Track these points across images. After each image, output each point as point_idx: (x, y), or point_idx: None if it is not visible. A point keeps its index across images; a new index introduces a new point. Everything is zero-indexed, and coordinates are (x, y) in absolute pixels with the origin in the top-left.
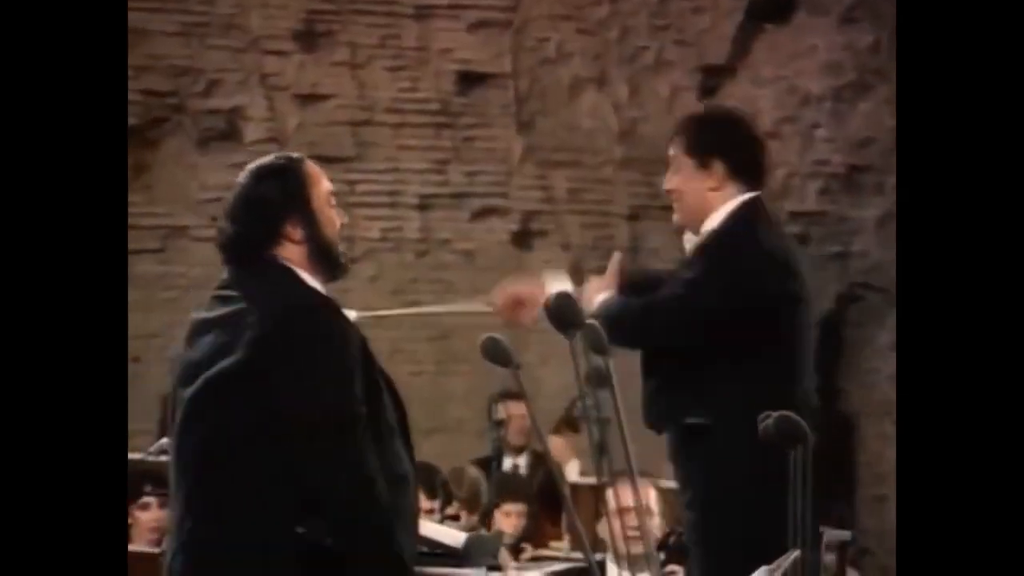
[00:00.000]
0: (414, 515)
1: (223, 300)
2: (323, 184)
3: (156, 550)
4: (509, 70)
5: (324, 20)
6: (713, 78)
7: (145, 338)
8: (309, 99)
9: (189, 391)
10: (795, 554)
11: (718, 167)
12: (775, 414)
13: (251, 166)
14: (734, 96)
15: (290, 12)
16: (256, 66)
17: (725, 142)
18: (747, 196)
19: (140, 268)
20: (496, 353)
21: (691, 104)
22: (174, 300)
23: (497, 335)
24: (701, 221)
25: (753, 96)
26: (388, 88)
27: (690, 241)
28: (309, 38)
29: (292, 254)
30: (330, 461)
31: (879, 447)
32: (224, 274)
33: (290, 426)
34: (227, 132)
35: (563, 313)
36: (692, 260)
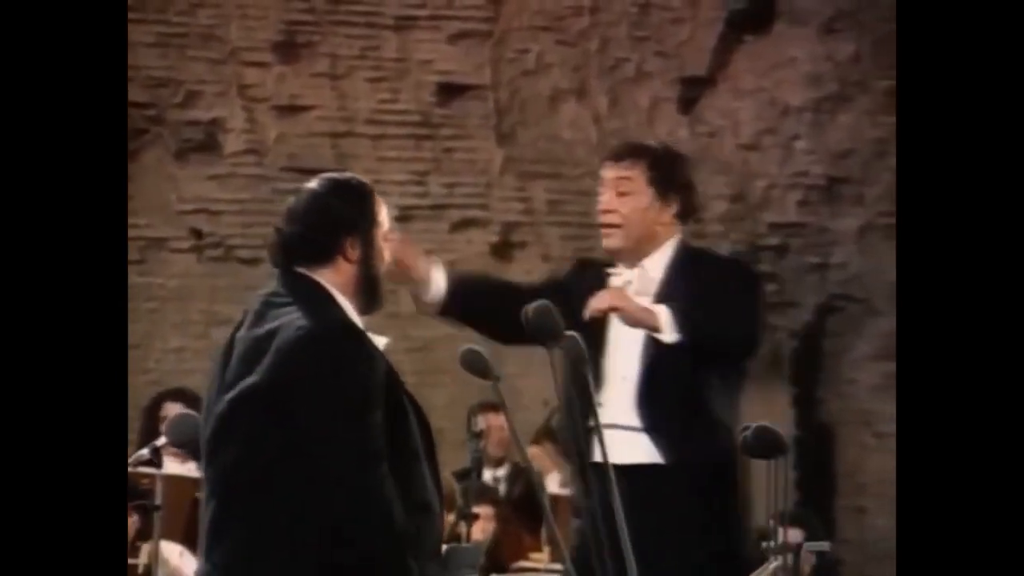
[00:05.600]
0: (437, 541)
1: (277, 306)
2: (385, 216)
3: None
4: (489, 81)
5: (303, 31)
6: (693, 89)
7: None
8: (288, 110)
9: (216, 411)
10: (774, 564)
11: (674, 204)
12: (753, 425)
13: (325, 177)
14: (714, 107)
15: (269, 23)
16: (235, 77)
17: (684, 182)
18: (680, 237)
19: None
20: (476, 364)
21: (671, 115)
22: (153, 311)
23: (477, 347)
24: (640, 254)
25: (733, 107)
26: (368, 99)
27: (620, 275)
28: (288, 49)
29: (340, 274)
30: (346, 486)
31: (858, 457)
32: (273, 284)
33: (306, 451)
34: (206, 144)
35: (543, 325)
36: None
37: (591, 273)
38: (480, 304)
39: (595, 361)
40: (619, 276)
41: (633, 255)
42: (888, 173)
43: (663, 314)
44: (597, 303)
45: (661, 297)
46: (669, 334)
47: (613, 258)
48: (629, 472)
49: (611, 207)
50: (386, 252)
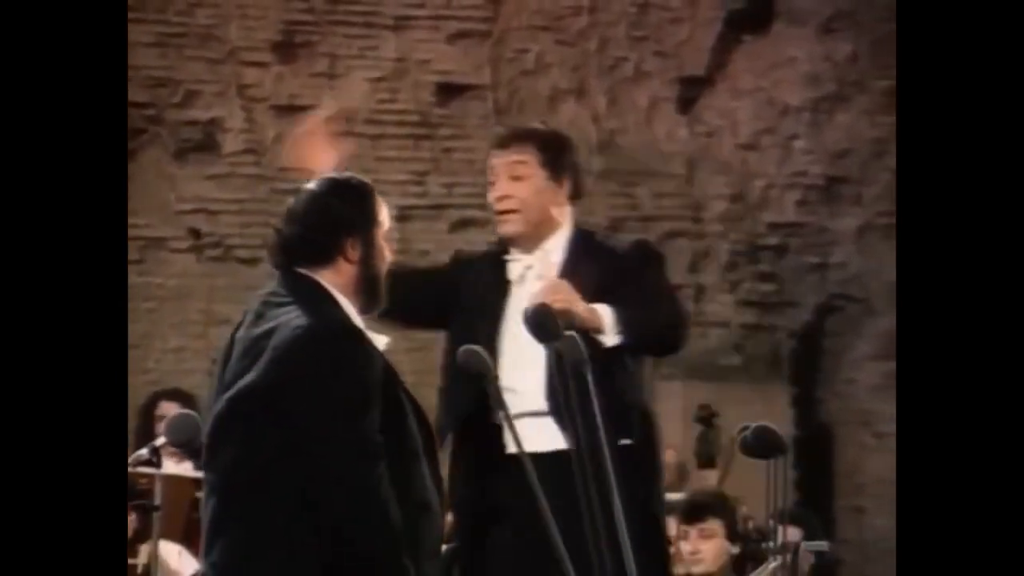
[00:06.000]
0: (437, 541)
1: (275, 305)
2: (386, 216)
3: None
4: (488, 81)
5: (302, 31)
6: (692, 89)
7: None
8: (287, 110)
9: (214, 410)
10: (774, 564)
11: (567, 185)
12: (753, 425)
13: (325, 177)
14: (713, 107)
15: (268, 23)
16: (234, 77)
17: (573, 163)
18: (575, 218)
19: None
20: (474, 364)
21: (670, 115)
22: (152, 311)
23: (476, 347)
24: (538, 238)
25: (731, 107)
26: (367, 99)
27: (519, 260)
28: (287, 49)
29: (340, 274)
30: (343, 484)
31: (857, 457)
32: (273, 284)
33: (304, 450)
34: (205, 143)
35: (542, 325)
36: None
37: (482, 263)
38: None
39: (492, 341)
40: (518, 262)
41: (531, 240)
42: (886, 173)
43: (607, 315)
44: (545, 297)
45: (567, 276)
46: (611, 336)
47: (509, 245)
48: (538, 460)
49: (507, 193)
50: (386, 251)
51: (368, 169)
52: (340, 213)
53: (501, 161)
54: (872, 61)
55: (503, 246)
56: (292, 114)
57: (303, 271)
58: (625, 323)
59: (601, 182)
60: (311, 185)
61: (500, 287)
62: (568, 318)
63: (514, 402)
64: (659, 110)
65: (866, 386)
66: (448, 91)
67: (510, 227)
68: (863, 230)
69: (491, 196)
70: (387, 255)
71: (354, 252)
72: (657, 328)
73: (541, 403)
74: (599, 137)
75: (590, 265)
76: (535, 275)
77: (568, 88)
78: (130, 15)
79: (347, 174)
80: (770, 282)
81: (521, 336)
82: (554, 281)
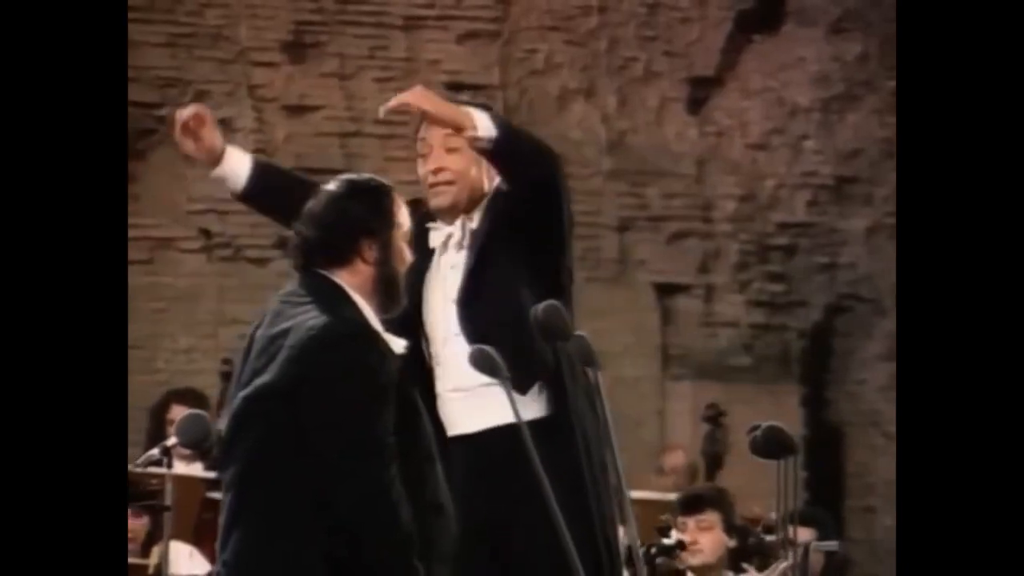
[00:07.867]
0: (449, 543)
1: (294, 305)
2: (405, 219)
3: (139, 560)
4: (498, 81)
5: (312, 31)
6: (702, 89)
7: (133, 349)
8: (297, 110)
9: (231, 408)
10: (784, 564)
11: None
12: (764, 424)
13: (343, 179)
14: (723, 107)
15: (278, 23)
16: (244, 77)
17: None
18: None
19: (128, 279)
20: (485, 363)
21: (680, 115)
22: (162, 311)
23: (486, 347)
24: (465, 209)
25: (742, 107)
26: (376, 99)
27: (440, 229)
28: (297, 49)
29: (357, 275)
30: (355, 485)
31: (867, 458)
32: (292, 284)
33: (317, 449)
34: None
35: (551, 323)
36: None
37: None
38: (283, 196)
39: (416, 311)
40: (439, 230)
41: (459, 211)
42: (896, 173)
43: (476, 112)
44: (394, 101)
45: (481, 240)
46: (485, 130)
47: (438, 216)
48: (470, 441)
49: (442, 165)
50: (405, 253)
51: (377, 169)
52: (357, 216)
53: (435, 133)
54: (881, 61)
55: (428, 216)
56: (302, 114)
57: (322, 272)
58: (500, 122)
59: (611, 182)
60: (330, 187)
61: (422, 255)
62: (435, 116)
63: (439, 374)
64: (669, 110)
65: (875, 386)
66: (458, 91)
67: (444, 199)
68: (872, 230)
69: (424, 169)
70: (406, 256)
71: (371, 253)
72: (532, 149)
73: (466, 378)
74: (609, 137)
75: (501, 219)
76: (455, 243)
77: (578, 88)
78: (139, 15)
79: (366, 175)
80: (780, 282)
81: (442, 307)
82: (415, 89)
